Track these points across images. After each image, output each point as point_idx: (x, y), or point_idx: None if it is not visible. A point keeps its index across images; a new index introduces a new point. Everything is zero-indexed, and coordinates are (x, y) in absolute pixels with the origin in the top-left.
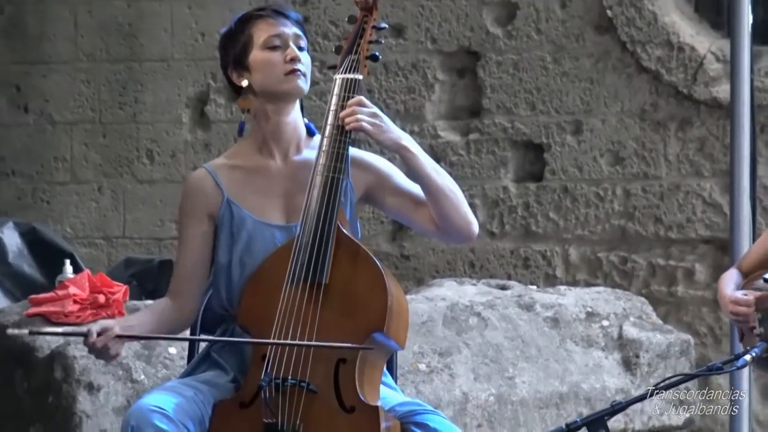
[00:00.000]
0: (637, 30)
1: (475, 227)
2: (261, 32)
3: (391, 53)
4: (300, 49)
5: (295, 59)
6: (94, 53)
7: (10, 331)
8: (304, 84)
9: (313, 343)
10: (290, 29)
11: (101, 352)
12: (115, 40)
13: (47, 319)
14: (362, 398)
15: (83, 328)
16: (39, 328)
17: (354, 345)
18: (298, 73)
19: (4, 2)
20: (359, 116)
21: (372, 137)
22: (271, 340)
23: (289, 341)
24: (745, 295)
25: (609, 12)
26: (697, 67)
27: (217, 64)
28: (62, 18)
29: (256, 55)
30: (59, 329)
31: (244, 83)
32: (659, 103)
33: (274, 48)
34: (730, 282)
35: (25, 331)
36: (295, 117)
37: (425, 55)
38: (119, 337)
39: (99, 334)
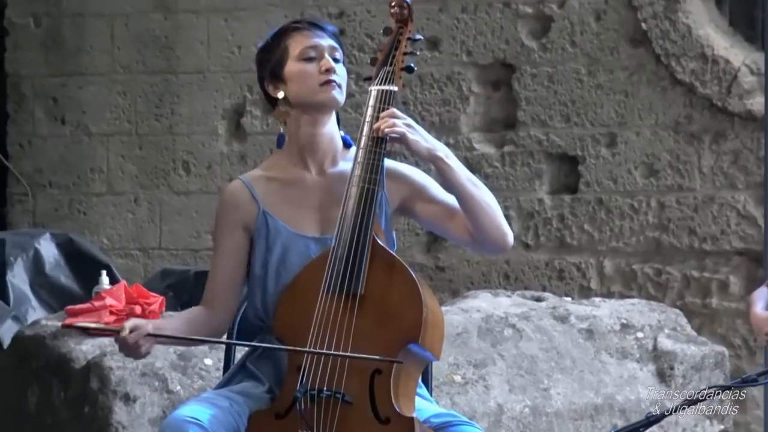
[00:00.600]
0: (671, 43)
1: (510, 238)
2: (296, 44)
3: (426, 66)
4: (335, 60)
5: (330, 70)
6: (131, 65)
7: (44, 321)
8: (340, 95)
9: (347, 354)
10: (325, 41)
11: (132, 349)
12: (152, 53)
13: (84, 330)
14: (397, 409)
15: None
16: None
17: (386, 358)
18: (333, 84)
19: (41, 15)
20: (396, 121)
21: (408, 146)
22: (303, 348)
23: (323, 351)
24: None
25: (644, 25)
26: (732, 79)
27: (254, 76)
28: (99, 30)
29: (291, 66)
30: (92, 324)
31: (280, 95)
32: (693, 116)
33: (309, 59)
34: (759, 300)
35: (58, 323)
36: (331, 129)
37: (460, 67)
38: (151, 335)
39: (131, 331)
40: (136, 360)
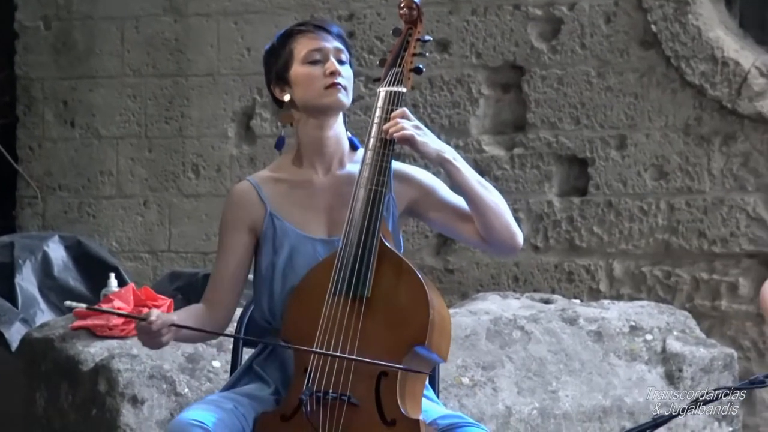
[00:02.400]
0: (681, 45)
1: (520, 239)
2: (301, 47)
3: (436, 68)
4: (341, 62)
5: (334, 73)
6: (141, 68)
7: (68, 303)
8: (345, 98)
9: (354, 356)
10: (331, 43)
11: (153, 336)
12: (162, 56)
13: (92, 332)
14: (403, 411)
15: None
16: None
17: (393, 365)
18: (339, 86)
19: (51, 18)
20: (404, 124)
21: (416, 148)
22: (314, 349)
23: (331, 352)
24: None
25: (653, 27)
26: (742, 81)
27: (263, 78)
28: (109, 33)
29: (296, 69)
30: (119, 310)
31: (286, 98)
32: (703, 118)
33: (314, 62)
34: None
35: (83, 305)
36: (337, 131)
37: (470, 69)
38: (175, 326)
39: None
40: (153, 349)
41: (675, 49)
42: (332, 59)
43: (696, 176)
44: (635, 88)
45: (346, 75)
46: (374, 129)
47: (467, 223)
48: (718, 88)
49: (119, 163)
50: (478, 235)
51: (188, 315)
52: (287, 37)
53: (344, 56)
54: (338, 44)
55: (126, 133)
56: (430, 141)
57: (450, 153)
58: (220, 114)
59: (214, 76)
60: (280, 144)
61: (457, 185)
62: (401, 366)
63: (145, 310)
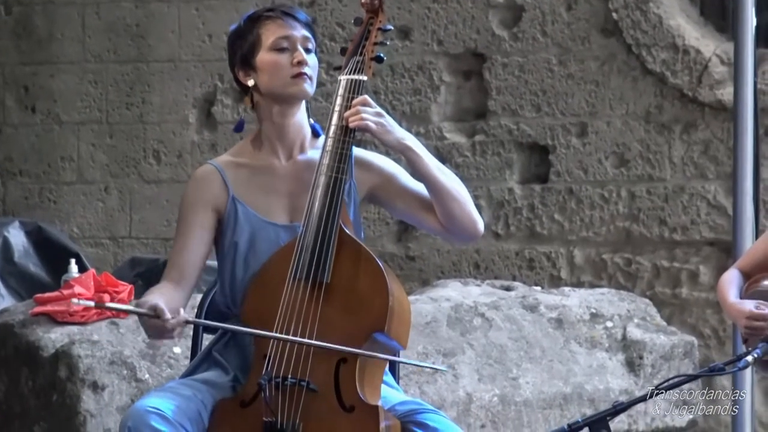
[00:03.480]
0: (642, 33)
1: (481, 226)
2: (269, 33)
3: (397, 55)
4: (308, 51)
5: (302, 62)
6: (102, 54)
7: (75, 300)
8: (310, 87)
9: (315, 341)
10: (299, 32)
11: (166, 334)
12: (123, 41)
13: (52, 318)
14: (362, 397)
15: (145, 309)
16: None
17: (354, 350)
18: (305, 76)
19: (12, 3)
20: (364, 115)
21: (376, 136)
22: (276, 334)
23: (291, 337)
24: (758, 308)
25: (614, 15)
26: (702, 70)
27: (224, 65)
28: (70, 19)
29: (263, 56)
30: (129, 306)
31: (250, 83)
32: (664, 106)
33: (281, 50)
34: (731, 286)
35: (91, 303)
36: (300, 118)
37: (431, 57)
38: (188, 322)
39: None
40: (160, 341)
41: (636, 37)
42: (300, 48)
43: (657, 164)
44: (596, 76)
45: (312, 64)
46: (335, 117)
47: (428, 210)
48: (679, 76)
49: (80, 148)
50: (439, 222)
51: (167, 296)
52: (254, 21)
53: (311, 45)
54: (306, 33)
55: (87, 118)
56: (391, 129)
57: (411, 140)
58: (182, 100)
59: (175, 62)
60: (239, 127)
61: (417, 173)
62: (360, 351)
63: (107, 296)
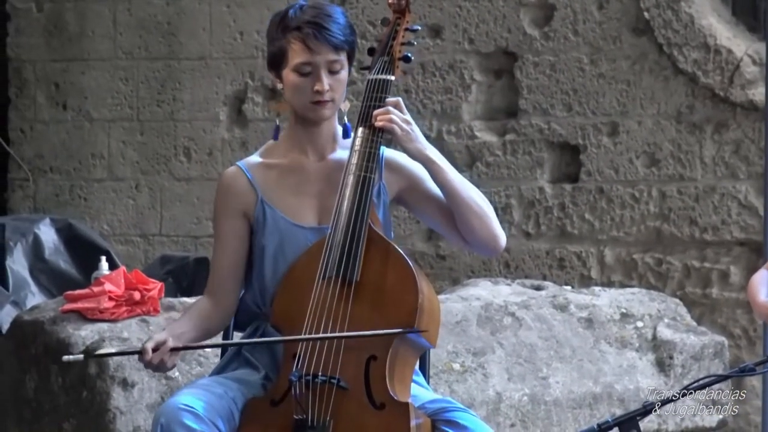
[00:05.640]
0: (674, 32)
1: (502, 241)
2: (294, 54)
3: (428, 54)
4: (333, 72)
5: (320, 92)
6: (133, 51)
7: (65, 358)
8: (330, 111)
9: (346, 333)
10: (324, 56)
11: (158, 367)
12: (154, 38)
13: (82, 315)
14: (393, 395)
15: (137, 347)
16: (95, 350)
17: (383, 331)
18: (324, 103)
19: (43, 0)
20: (393, 116)
21: (399, 142)
22: (310, 336)
23: (321, 335)
24: None
25: (646, 14)
26: (734, 69)
27: (255, 63)
28: (101, 16)
29: (287, 74)
30: (113, 350)
31: (279, 86)
32: (695, 106)
33: (304, 75)
34: (762, 286)
35: (80, 356)
36: (330, 121)
37: (462, 55)
38: (174, 349)
39: (154, 350)
40: (164, 373)
41: (667, 37)
42: (322, 75)
43: (688, 164)
44: (627, 75)
45: (336, 86)
46: (363, 116)
47: (450, 220)
48: (711, 76)
49: (111, 146)
50: (460, 234)
51: (194, 316)
52: (284, 32)
53: (338, 65)
54: (332, 56)
55: (118, 115)
56: (416, 138)
57: (433, 152)
58: (212, 98)
59: (206, 59)
60: (276, 135)
61: (439, 185)
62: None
63: (137, 294)
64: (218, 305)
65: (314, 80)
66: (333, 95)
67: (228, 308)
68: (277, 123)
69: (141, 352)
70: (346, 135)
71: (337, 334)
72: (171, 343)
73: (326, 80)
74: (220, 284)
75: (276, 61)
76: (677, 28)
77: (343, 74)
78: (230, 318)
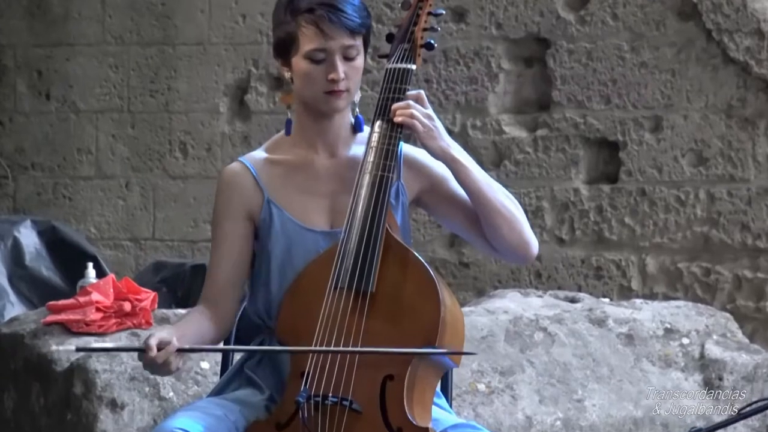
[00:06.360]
0: (724, 17)
1: (534, 248)
2: (306, 40)
3: (451, 39)
4: (348, 58)
5: (335, 80)
6: (123, 35)
7: (54, 347)
8: (346, 101)
9: (364, 349)
10: (338, 41)
11: (161, 368)
12: (147, 21)
13: (66, 328)
14: (411, 419)
15: (137, 344)
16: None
17: (405, 350)
18: (339, 93)
19: None
20: (414, 111)
21: (420, 139)
22: (329, 349)
23: (338, 348)
24: None
25: None
26: None
27: (259, 48)
28: None
29: (298, 61)
30: (110, 344)
31: (287, 75)
32: (748, 98)
33: (317, 62)
34: None
35: (72, 347)
36: (343, 114)
37: (489, 41)
38: (180, 350)
39: (159, 349)
40: (163, 376)
41: (717, 22)
42: (337, 61)
43: (739, 163)
44: (672, 65)
45: (351, 74)
46: (380, 109)
47: (476, 224)
48: (765, 66)
49: (99, 140)
50: (486, 240)
51: (194, 322)
52: (294, 15)
53: (354, 51)
54: (347, 41)
55: (106, 106)
56: (438, 135)
57: (457, 151)
58: (211, 87)
59: (205, 45)
60: (289, 128)
61: (463, 186)
62: (418, 350)
63: (127, 305)
64: (216, 315)
65: (328, 68)
66: (348, 84)
67: (226, 319)
68: (289, 116)
69: (143, 350)
70: (358, 128)
71: (354, 349)
72: (176, 343)
73: (341, 67)
74: (219, 292)
75: (284, 48)
76: (728, 13)
77: (359, 61)
78: (228, 331)
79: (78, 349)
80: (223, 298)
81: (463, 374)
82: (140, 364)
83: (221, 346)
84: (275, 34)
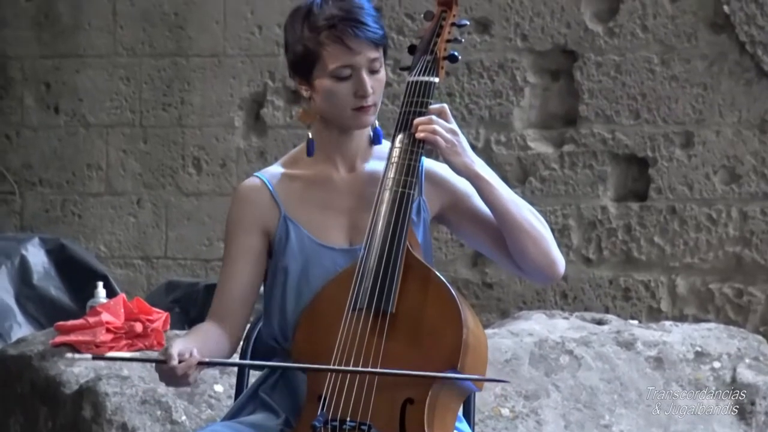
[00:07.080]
0: (758, 29)
1: (561, 267)
2: (331, 58)
3: (475, 52)
4: (374, 72)
5: (365, 96)
6: (135, 46)
7: (69, 355)
8: (374, 116)
9: (389, 371)
10: (364, 55)
11: (179, 380)
12: (160, 32)
13: (75, 349)
14: None
15: (154, 354)
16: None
17: (427, 373)
18: (368, 108)
19: None
20: (436, 127)
21: (442, 155)
22: (356, 369)
23: (360, 368)
24: None
25: (726, 8)
26: None
27: (276, 61)
28: (99, 6)
29: (322, 81)
30: (127, 354)
31: (305, 93)
32: None
33: (343, 79)
34: None
35: (88, 356)
36: (360, 131)
37: (514, 54)
38: (201, 363)
39: (180, 361)
40: (178, 388)
41: (750, 34)
42: (364, 76)
43: None
44: (704, 78)
45: (377, 87)
46: (401, 123)
47: (501, 242)
48: None
49: (109, 155)
50: (511, 258)
51: (206, 336)
52: (315, 32)
53: (378, 63)
54: (372, 54)
55: (117, 120)
56: (462, 150)
57: (481, 167)
58: (226, 100)
59: (220, 56)
60: (311, 149)
61: (488, 204)
62: (442, 374)
63: (139, 325)
64: (225, 333)
65: (355, 84)
66: (375, 99)
67: (235, 337)
68: (310, 136)
69: (164, 361)
70: (376, 141)
71: (376, 370)
72: (198, 356)
73: (369, 82)
74: (228, 309)
75: (304, 66)
76: (762, 24)
77: (383, 73)
78: (234, 350)
79: (94, 358)
80: (232, 315)
81: (486, 398)
82: (152, 387)
83: (243, 360)
84: (292, 50)
